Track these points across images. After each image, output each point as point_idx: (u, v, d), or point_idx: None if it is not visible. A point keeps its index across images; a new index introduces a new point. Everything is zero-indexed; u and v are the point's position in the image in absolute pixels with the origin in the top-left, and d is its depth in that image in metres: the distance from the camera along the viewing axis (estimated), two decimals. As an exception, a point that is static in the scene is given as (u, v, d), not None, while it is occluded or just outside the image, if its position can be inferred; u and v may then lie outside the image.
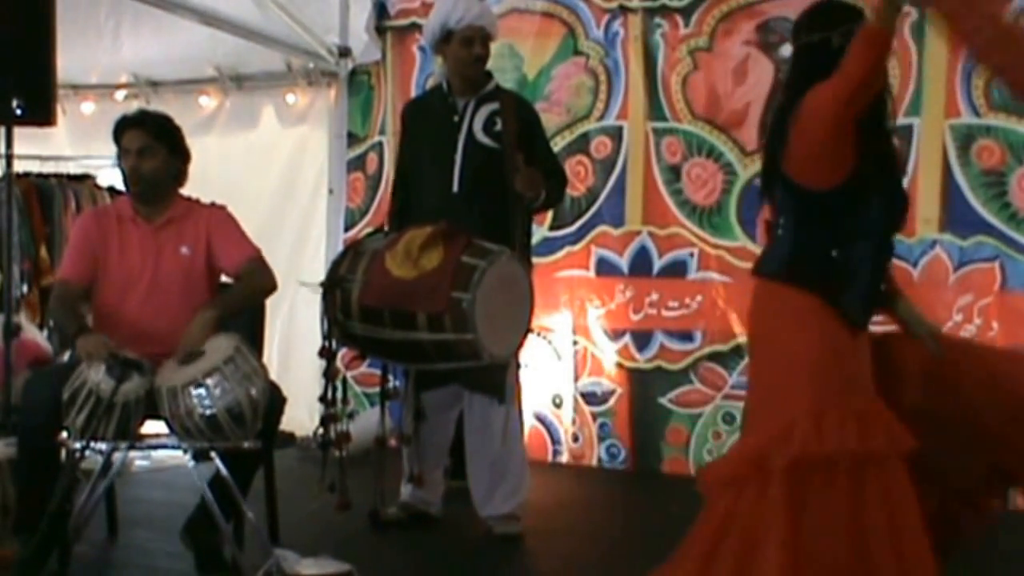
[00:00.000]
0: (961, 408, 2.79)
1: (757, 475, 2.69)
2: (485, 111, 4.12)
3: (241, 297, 3.70)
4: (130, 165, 3.67)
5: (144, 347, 3.45)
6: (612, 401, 5.48)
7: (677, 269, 5.34)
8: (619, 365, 5.46)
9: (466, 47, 4.08)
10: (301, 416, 5.49)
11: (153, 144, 3.69)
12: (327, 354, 4.00)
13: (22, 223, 5.85)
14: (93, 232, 3.73)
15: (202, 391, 3.27)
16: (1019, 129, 4.70)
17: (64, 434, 3.34)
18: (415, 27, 5.85)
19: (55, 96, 4.88)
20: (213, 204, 3.84)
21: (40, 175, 6.24)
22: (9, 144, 4.91)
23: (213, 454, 3.37)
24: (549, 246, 5.50)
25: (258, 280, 3.72)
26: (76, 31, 5.55)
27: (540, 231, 5.36)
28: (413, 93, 5.82)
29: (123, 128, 3.72)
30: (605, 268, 5.50)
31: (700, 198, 5.31)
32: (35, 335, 5.52)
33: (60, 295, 3.73)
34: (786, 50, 5.11)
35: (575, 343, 5.56)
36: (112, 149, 3.77)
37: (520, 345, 4.01)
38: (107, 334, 3.50)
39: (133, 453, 3.69)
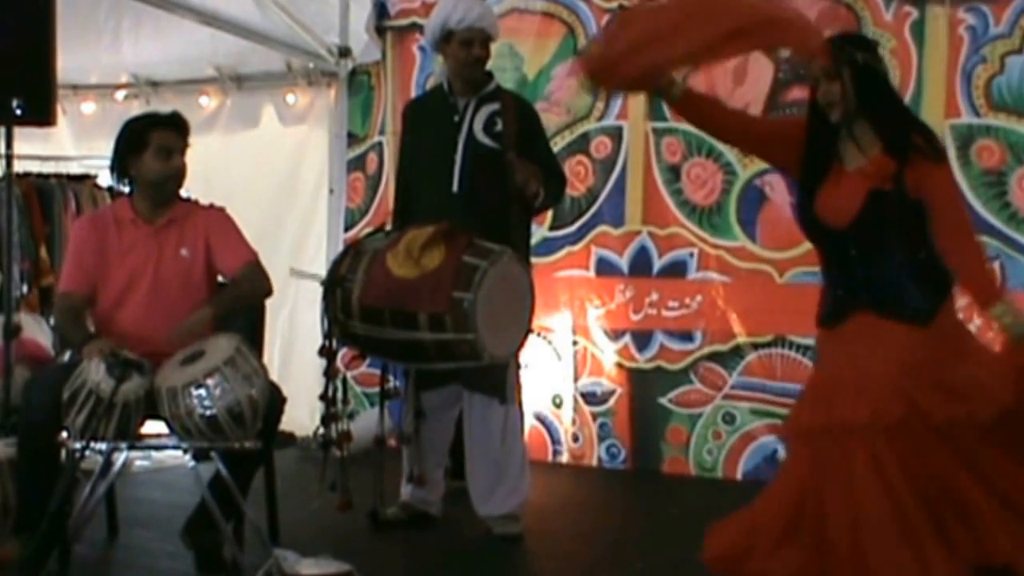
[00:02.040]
0: None
1: None
2: (486, 111, 4.12)
3: (237, 297, 3.70)
4: (175, 165, 3.67)
5: (144, 347, 3.45)
6: (612, 401, 5.48)
7: (677, 269, 5.34)
8: (619, 365, 5.46)
9: (465, 48, 4.08)
10: (301, 416, 5.50)
11: (185, 148, 3.72)
12: (327, 353, 4.00)
13: (22, 223, 5.86)
14: (90, 240, 3.72)
15: (202, 391, 3.27)
16: (1019, 129, 4.70)
17: (64, 434, 3.34)
18: (415, 27, 5.85)
19: (55, 96, 4.88)
20: (212, 206, 3.84)
21: (40, 175, 6.24)
22: (9, 144, 4.92)
23: (213, 454, 3.37)
24: (549, 246, 5.50)
25: (254, 283, 3.72)
26: (76, 31, 5.55)
27: (540, 231, 5.36)
28: (413, 93, 5.81)
29: (159, 126, 3.71)
30: (605, 268, 5.50)
31: (700, 198, 5.31)
32: (36, 332, 5.52)
33: (64, 308, 3.73)
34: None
35: (575, 343, 5.56)
36: (111, 149, 3.76)
37: (521, 345, 4.01)
38: (108, 335, 3.51)
39: (133, 453, 3.68)
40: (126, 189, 3.85)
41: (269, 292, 3.78)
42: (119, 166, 3.73)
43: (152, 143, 3.66)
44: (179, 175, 3.71)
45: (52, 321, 4.36)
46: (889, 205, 3.01)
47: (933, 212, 2.99)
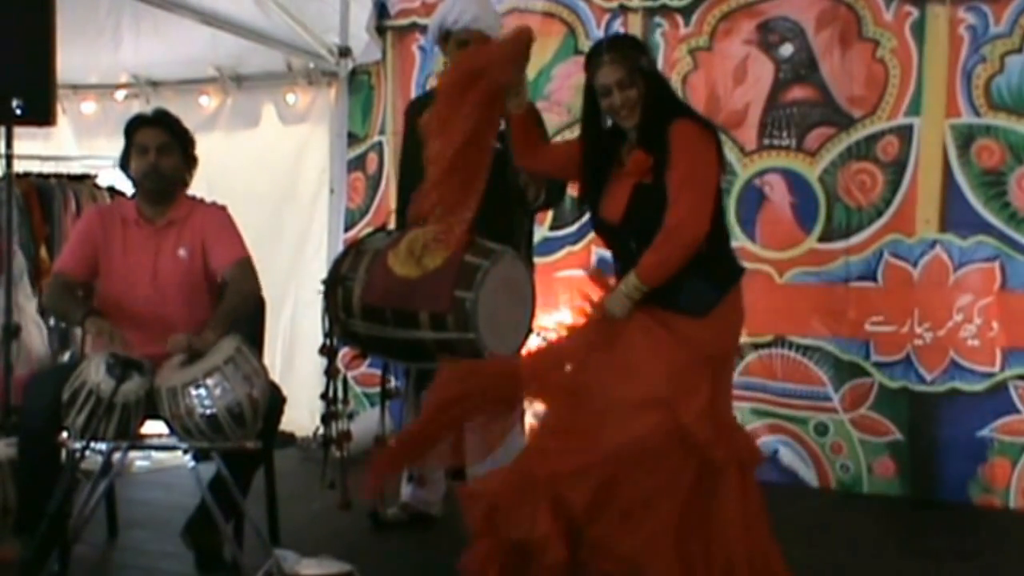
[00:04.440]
0: None
1: None
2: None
3: (231, 310, 3.60)
4: (149, 161, 3.67)
5: (146, 347, 3.45)
6: (612, 401, 5.46)
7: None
8: (619, 365, 5.44)
9: (462, 49, 4.08)
10: (302, 416, 5.49)
11: (171, 143, 3.71)
12: (328, 352, 4.00)
13: (22, 223, 5.85)
14: (96, 229, 3.73)
15: (202, 391, 3.27)
16: (1019, 129, 4.69)
17: (64, 434, 3.34)
18: (415, 27, 5.85)
19: (55, 96, 4.88)
20: (214, 204, 3.83)
21: (40, 175, 6.23)
22: (9, 144, 4.91)
23: (213, 454, 3.37)
24: (549, 246, 5.50)
25: (242, 288, 3.67)
26: (76, 31, 5.55)
27: (540, 231, 5.34)
28: (413, 93, 5.81)
29: (140, 125, 3.73)
30: (605, 268, 5.46)
31: (700, 198, 5.30)
32: (34, 338, 5.49)
33: (57, 285, 3.71)
34: (786, 50, 5.12)
35: (575, 343, 5.54)
36: (112, 149, 3.77)
37: (522, 345, 4.01)
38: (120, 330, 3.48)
39: (133, 453, 3.69)
40: (128, 191, 3.87)
41: (257, 292, 3.75)
42: (123, 170, 3.79)
43: (135, 143, 3.69)
44: (154, 170, 3.68)
45: (45, 296, 4.28)
46: (652, 197, 3.15)
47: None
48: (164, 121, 3.75)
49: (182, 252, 3.70)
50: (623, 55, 3.22)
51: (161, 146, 3.69)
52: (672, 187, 3.11)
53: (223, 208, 3.83)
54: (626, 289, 3.16)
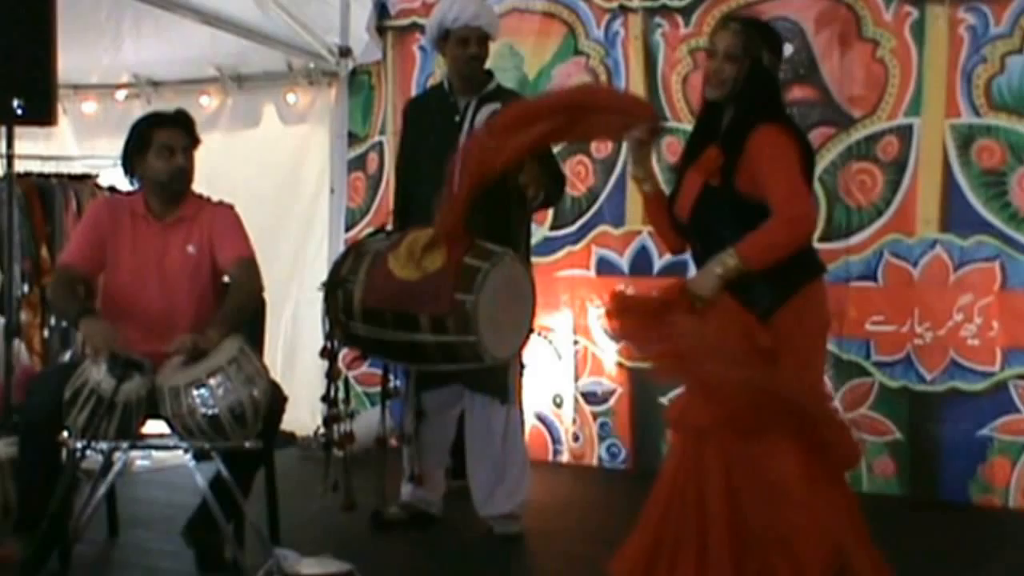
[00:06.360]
0: None
1: None
2: (487, 111, 4.11)
3: (236, 309, 3.61)
4: (178, 164, 3.67)
5: (150, 344, 3.45)
6: (612, 401, 5.48)
7: (677, 269, 5.30)
8: (620, 365, 5.45)
9: (461, 46, 4.09)
10: (302, 416, 5.50)
11: (191, 145, 3.72)
12: (329, 355, 4.00)
13: (23, 222, 5.86)
14: (105, 220, 3.72)
15: (205, 391, 3.27)
16: (1019, 129, 4.69)
17: (65, 434, 3.35)
18: (415, 27, 5.85)
19: (56, 96, 4.89)
20: (221, 203, 3.83)
21: (41, 175, 6.24)
22: (10, 144, 4.92)
23: (214, 454, 3.37)
24: (549, 246, 5.50)
25: (246, 287, 3.68)
26: (77, 31, 5.55)
27: (541, 231, 5.36)
28: (413, 93, 5.81)
29: (162, 124, 3.71)
30: (606, 268, 5.50)
31: (700, 198, 5.30)
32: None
33: (61, 279, 3.70)
34: (786, 50, 5.11)
35: (576, 343, 5.56)
36: (113, 148, 3.77)
37: (522, 346, 4.02)
38: (115, 328, 3.47)
39: (134, 453, 3.68)
40: (132, 188, 3.86)
41: (260, 290, 3.76)
42: (127, 166, 3.75)
43: (154, 142, 3.67)
44: (182, 173, 3.69)
45: (49, 288, 4.26)
46: (718, 200, 3.00)
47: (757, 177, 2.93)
48: (185, 123, 3.74)
49: (191, 249, 3.70)
50: (749, 33, 3.07)
51: (185, 148, 3.69)
52: (761, 183, 2.93)
53: (231, 207, 3.83)
54: (720, 268, 2.85)
